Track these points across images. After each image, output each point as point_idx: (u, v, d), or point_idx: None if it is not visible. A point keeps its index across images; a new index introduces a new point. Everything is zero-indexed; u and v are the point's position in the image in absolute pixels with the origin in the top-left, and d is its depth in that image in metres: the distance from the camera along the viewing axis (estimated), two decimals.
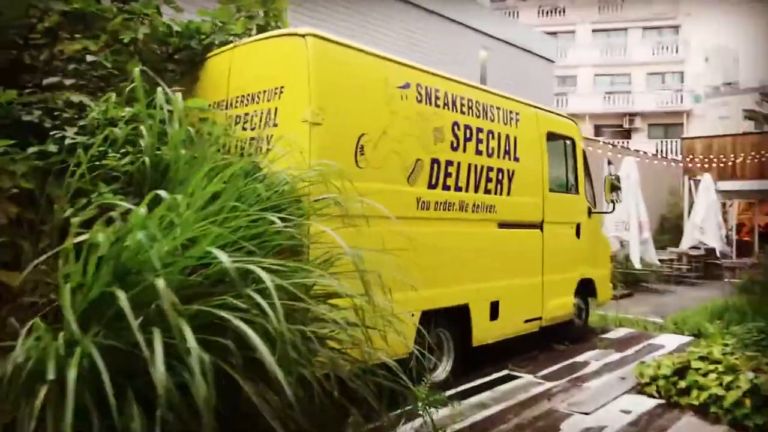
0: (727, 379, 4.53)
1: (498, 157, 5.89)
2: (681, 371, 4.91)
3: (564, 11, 34.91)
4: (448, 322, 5.43)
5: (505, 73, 19.38)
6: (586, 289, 7.53)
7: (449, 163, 5.29)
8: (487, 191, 5.74)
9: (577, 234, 7.21)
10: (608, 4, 34.37)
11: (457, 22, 17.53)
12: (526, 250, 6.34)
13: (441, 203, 5.20)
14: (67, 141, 3.49)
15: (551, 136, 6.88)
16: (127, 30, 4.45)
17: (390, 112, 4.76)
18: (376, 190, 4.54)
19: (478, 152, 5.65)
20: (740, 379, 4.44)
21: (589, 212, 7.44)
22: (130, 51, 4.73)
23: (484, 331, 5.72)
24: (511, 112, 6.14)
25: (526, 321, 6.33)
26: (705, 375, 4.72)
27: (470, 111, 5.60)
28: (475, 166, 5.60)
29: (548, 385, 5.48)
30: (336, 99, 4.35)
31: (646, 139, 32.45)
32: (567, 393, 5.23)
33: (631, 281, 13.27)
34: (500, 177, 5.91)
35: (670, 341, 7.36)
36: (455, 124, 5.40)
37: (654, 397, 5.00)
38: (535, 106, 6.67)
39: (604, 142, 16.97)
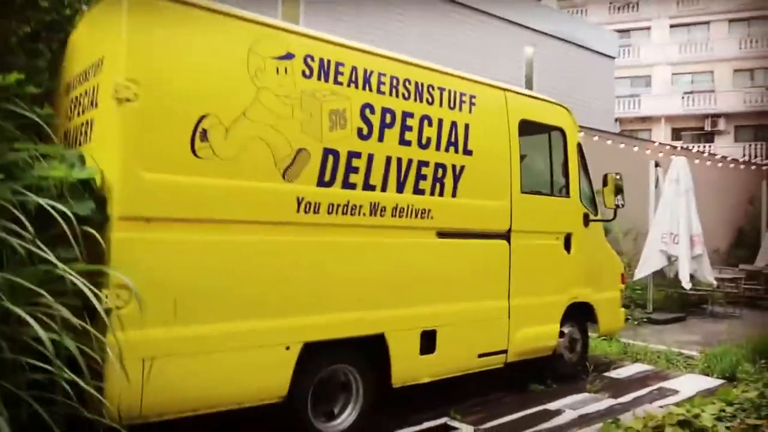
0: None
1: (437, 149, 4.70)
2: None
3: (638, 6, 32.35)
4: (354, 357, 4.29)
5: (556, 72, 17.77)
6: (582, 315, 6.11)
7: (354, 155, 4.18)
8: (418, 191, 4.57)
9: (567, 247, 5.82)
10: None
11: (497, 17, 16.16)
12: (482, 266, 5.07)
13: (339, 206, 4.09)
14: None
15: (528, 126, 5.57)
16: None
17: (256, 89, 3.73)
18: (227, 187, 3.56)
19: (405, 142, 4.49)
20: None
21: (586, 220, 6.03)
22: None
23: (410, 369, 4.53)
24: (462, 94, 4.93)
25: (482, 355, 5.05)
26: None
27: (394, 91, 4.46)
28: (399, 160, 4.45)
29: None
30: (162, 70, 3.38)
31: (732, 143, 29.36)
32: None
33: (686, 303, 11.40)
34: (440, 174, 4.71)
35: (690, 385, 5.80)
36: (367, 106, 4.28)
37: None
38: (505, 88, 5.40)
39: (662, 143, 15.00)
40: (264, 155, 3.75)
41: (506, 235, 5.24)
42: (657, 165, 11.13)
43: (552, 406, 5.07)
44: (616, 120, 27.67)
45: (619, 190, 6.03)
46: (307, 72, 3.99)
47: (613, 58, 20.52)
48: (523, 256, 5.34)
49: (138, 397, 3.25)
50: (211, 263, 3.52)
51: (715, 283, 10.94)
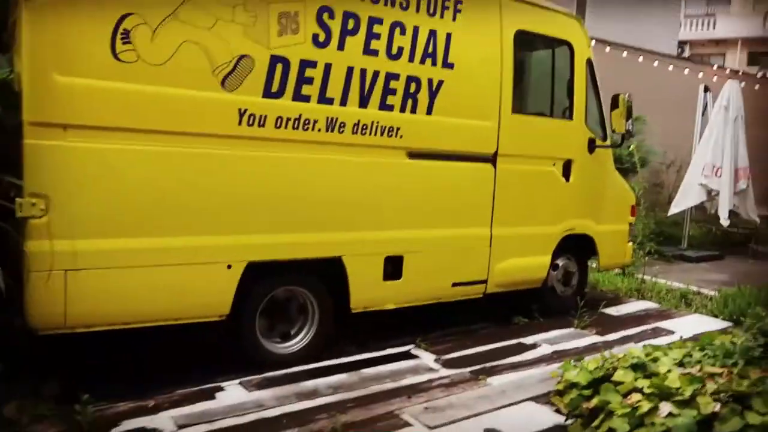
0: (644, 408, 2.83)
1: (410, 60, 4.29)
2: (599, 382, 3.25)
3: None
4: (308, 280, 4.13)
5: None
6: (581, 248, 5.72)
7: (308, 64, 3.85)
8: (385, 107, 4.22)
9: (566, 174, 5.36)
10: None
11: None
12: (461, 191, 4.72)
13: (289, 119, 3.81)
14: None
15: (527, 38, 5.03)
16: None
17: None
18: (154, 94, 3.34)
19: (370, 52, 4.11)
20: (656, 414, 2.73)
21: (591, 146, 5.51)
22: None
23: (372, 294, 4.35)
24: None
25: (458, 284, 4.79)
26: (626, 395, 3.04)
27: None
28: (363, 72, 4.08)
29: (441, 373, 4.04)
30: None
31: None
32: (449, 389, 3.77)
33: (729, 242, 10.68)
34: (412, 89, 4.32)
35: (690, 326, 5.39)
36: (325, 10, 3.89)
37: (560, 413, 3.41)
38: None
39: (719, 67, 13.64)
40: (199, 61, 3.47)
41: (492, 159, 4.85)
42: (707, 90, 10.14)
43: (529, 340, 4.82)
44: (684, 42, 25.57)
45: (630, 114, 5.43)
46: None
47: None
48: (510, 182, 4.95)
49: (61, 307, 3.21)
50: (139, 175, 3.37)
51: (758, 220, 10.13)
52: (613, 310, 5.88)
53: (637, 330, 5.25)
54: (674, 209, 9.97)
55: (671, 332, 5.20)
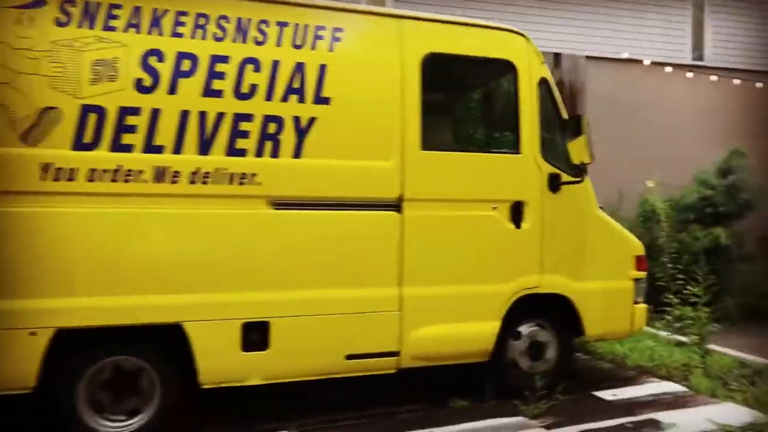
0: None
1: (268, 98, 3.81)
2: None
3: None
4: (142, 350, 3.66)
5: None
6: (560, 312, 4.53)
7: (129, 111, 3.55)
8: (235, 152, 3.74)
9: (516, 219, 4.34)
10: None
11: None
12: (349, 244, 3.99)
13: (105, 172, 3.50)
14: None
15: (446, 61, 4.29)
16: None
17: None
18: None
19: (212, 93, 3.71)
20: None
21: (554, 183, 4.43)
22: None
23: (228, 367, 3.74)
24: (318, 27, 3.94)
25: (353, 357, 3.98)
26: None
27: (199, 32, 3.71)
28: (202, 115, 3.68)
29: None
30: None
31: None
32: None
33: None
34: (272, 129, 3.81)
35: (702, 420, 3.88)
36: (153, 53, 3.61)
37: None
38: (400, 15, 4.19)
39: None
40: None
41: (396, 205, 4.07)
42: None
43: (443, 430, 3.79)
44: None
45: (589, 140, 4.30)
46: (64, 19, 3.48)
47: None
48: (426, 232, 4.11)
49: None
50: None
51: None
52: (608, 394, 4.49)
53: (611, 423, 3.89)
54: None
55: (671, 425, 3.78)
